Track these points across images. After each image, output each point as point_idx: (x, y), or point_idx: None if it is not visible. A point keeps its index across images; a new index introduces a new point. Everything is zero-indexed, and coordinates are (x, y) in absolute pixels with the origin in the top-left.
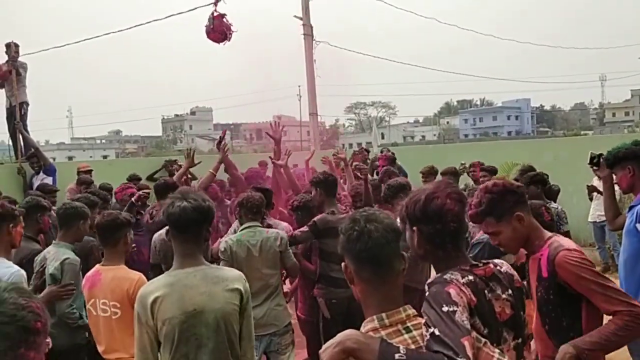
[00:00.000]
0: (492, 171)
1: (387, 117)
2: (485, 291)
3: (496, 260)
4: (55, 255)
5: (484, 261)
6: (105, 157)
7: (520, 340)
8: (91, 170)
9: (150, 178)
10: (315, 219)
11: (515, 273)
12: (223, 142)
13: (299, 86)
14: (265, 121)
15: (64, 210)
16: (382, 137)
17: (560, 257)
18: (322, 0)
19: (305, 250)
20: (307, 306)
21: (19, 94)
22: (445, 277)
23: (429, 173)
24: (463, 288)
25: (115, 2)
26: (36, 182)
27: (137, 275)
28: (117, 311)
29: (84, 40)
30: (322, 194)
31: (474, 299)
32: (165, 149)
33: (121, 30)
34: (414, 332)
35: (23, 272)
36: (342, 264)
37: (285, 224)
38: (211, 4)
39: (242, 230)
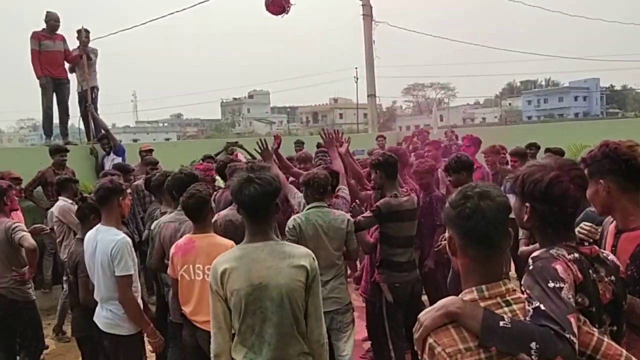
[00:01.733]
0: (560, 153)
1: (446, 98)
2: (590, 270)
3: (603, 250)
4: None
5: (590, 241)
6: (167, 139)
7: (615, 327)
8: (152, 150)
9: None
10: (378, 203)
11: (620, 265)
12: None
13: (356, 68)
14: (322, 104)
15: (173, 181)
16: (441, 119)
17: None
18: None
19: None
20: (371, 287)
21: (90, 78)
22: (551, 252)
23: (492, 152)
24: (570, 265)
25: None
26: (107, 163)
27: (230, 242)
28: None
29: (149, 21)
30: (383, 176)
31: (580, 276)
32: (224, 132)
33: (184, 9)
34: (514, 306)
35: (129, 239)
36: (447, 234)
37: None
38: None
39: (309, 209)
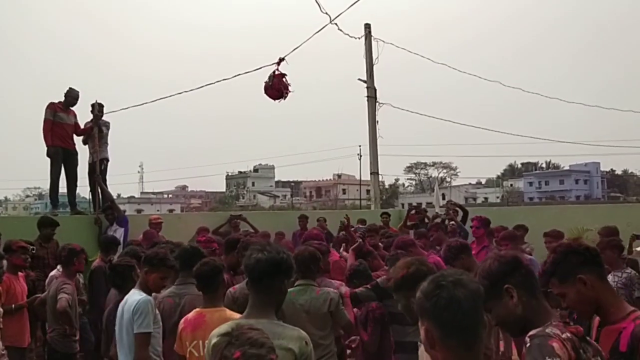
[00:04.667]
0: (558, 236)
1: (448, 177)
2: (581, 350)
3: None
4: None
5: (571, 322)
6: (171, 210)
7: None
8: (161, 222)
9: (215, 232)
10: (378, 279)
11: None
12: None
13: (360, 145)
14: (326, 179)
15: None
16: (443, 198)
17: None
18: (387, 64)
19: (363, 319)
20: None
21: (100, 150)
22: (547, 331)
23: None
24: (565, 343)
25: (183, 65)
26: (110, 233)
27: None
28: None
29: (160, 99)
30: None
31: (573, 354)
32: (227, 204)
33: (192, 90)
34: None
35: (150, 298)
36: (422, 327)
37: (338, 282)
38: (274, 63)
39: (294, 287)
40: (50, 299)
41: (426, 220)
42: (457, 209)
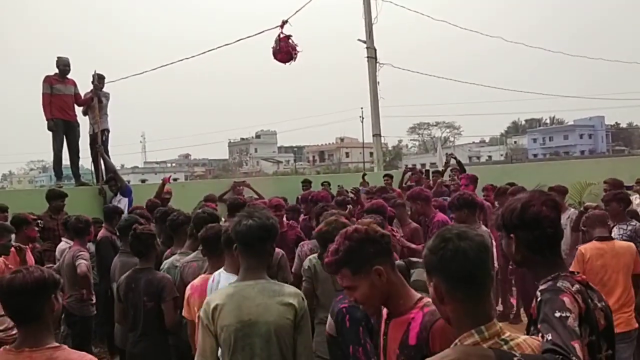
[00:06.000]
0: (562, 192)
1: (452, 137)
2: (589, 299)
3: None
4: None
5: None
6: (175, 179)
7: (610, 352)
8: (170, 196)
9: (220, 199)
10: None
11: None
12: None
13: (362, 108)
14: (329, 143)
15: (197, 220)
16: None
17: (438, 327)
18: (386, 23)
19: None
20: None
21: (101, 121)
22: (558, 284)
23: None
24: (576, 296)
25: (186, 29)
26: (114, 203)
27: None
28: None
29: (160, 67)
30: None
31: (583, 306)
32: (231, 172)
33: (193, 56)
34: (511, 343)
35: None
36: (431, 283)
37: None
38: (278, 26)
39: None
40: (66, 267)
41: (422, 181)
42: (457, 167)
